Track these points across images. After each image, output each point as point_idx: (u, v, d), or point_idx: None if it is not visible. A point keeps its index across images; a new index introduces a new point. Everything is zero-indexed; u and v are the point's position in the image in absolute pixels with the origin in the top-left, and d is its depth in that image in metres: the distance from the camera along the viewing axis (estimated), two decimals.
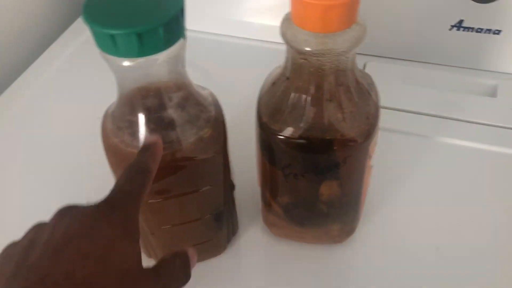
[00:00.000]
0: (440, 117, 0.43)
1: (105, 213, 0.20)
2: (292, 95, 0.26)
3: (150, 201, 0.28)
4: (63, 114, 0.46)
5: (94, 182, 0.39)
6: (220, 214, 0.31)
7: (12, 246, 0.20)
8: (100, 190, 0.36)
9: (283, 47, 0.26)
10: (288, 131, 0.26)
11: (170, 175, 0.27)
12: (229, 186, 0.31)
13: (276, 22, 0.25)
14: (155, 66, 0.23)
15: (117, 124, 0.27)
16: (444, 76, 0.47)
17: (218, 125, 0.28)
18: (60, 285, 0.17)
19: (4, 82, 0.50)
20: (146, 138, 0.25)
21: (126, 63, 0.22)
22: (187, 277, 0.23)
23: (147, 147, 0.24)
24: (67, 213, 0.20)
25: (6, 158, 0.43)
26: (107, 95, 0.29)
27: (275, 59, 0.30)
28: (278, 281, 0.34)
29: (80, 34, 0.55)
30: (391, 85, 0.46)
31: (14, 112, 0.47)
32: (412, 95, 0.45)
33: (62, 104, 0.48)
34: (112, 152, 0.26)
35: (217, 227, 0.32)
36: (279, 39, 0.25)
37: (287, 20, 0.24)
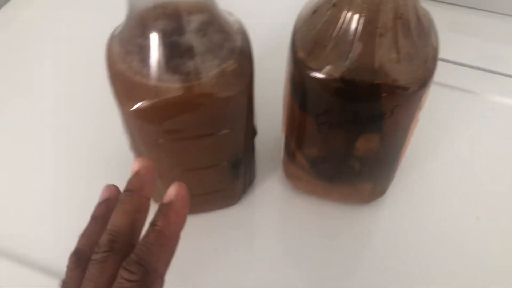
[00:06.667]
0: (490, 71, 0.38)
1: None
2: (338, 26, 0.21)
3: (159, 141, 0.24)
4: (64, 35, 0.43)
5: (95, 114, 0.35)
6: (238, 162, 0.28)
7: None
8: (102, 125, 0.33)
9: None
10: (329, 71, 0.22)
11: (184, 113, 0.23)
12: (251, 132, 0.28)
13: None
14: None
15: (125, 47, 0.22)
16: (498, 25, 0.42)
17: (244, 58, 0.24)
18: None
19: None
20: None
21: None
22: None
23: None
24: None
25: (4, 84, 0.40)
26: (115, 16, 0.24)
27: None
28: (294, 238, 0.31)
29: None
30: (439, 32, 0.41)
31: (13, 30, 0.43)
32: (461, 45, 0.40)
33: (63, 24, 0.44)
34: (119, 80, 0.23)
35: (234, 176, 0.29)
36: None
37: None
